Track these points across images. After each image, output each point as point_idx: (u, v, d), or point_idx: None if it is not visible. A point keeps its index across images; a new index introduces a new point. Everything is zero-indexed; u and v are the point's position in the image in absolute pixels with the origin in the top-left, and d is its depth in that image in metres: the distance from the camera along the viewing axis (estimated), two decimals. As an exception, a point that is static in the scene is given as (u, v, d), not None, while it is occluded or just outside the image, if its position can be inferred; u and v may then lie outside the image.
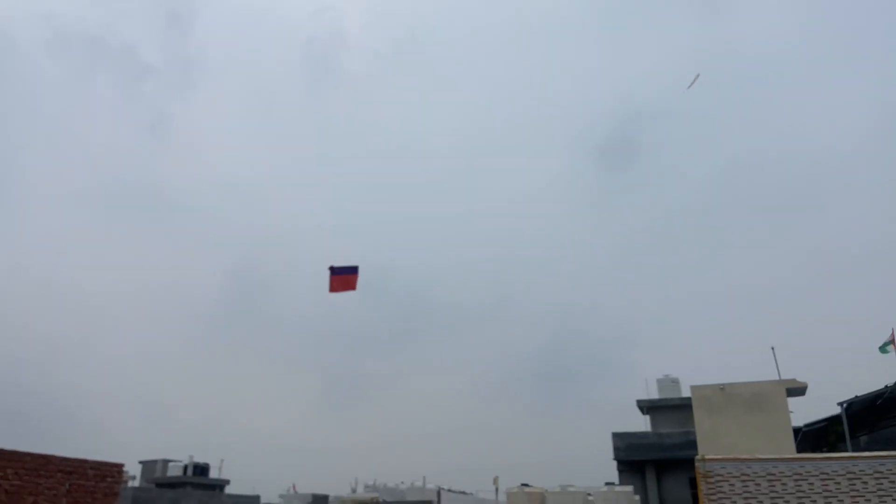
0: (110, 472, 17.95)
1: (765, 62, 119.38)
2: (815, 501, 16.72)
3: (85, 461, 17.29)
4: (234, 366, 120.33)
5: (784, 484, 17.06)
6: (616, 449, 26.05)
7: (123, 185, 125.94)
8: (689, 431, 23.96)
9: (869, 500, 16.38)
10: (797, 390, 19.59)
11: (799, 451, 20.65)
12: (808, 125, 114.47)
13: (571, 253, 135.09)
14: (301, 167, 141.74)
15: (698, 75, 24.75)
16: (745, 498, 17.17)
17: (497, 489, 26.00)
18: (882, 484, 16.43)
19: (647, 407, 28.22)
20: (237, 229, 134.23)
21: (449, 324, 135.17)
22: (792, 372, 20.00)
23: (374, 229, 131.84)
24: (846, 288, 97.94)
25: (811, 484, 16.89)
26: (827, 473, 16.89)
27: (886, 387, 19.99)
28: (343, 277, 20.67)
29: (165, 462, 45.77)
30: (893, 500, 16.21)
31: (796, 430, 21.84)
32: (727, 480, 17.44)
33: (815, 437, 24.95)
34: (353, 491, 63.85)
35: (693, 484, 23.85)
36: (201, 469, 44.51)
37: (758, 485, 17.19)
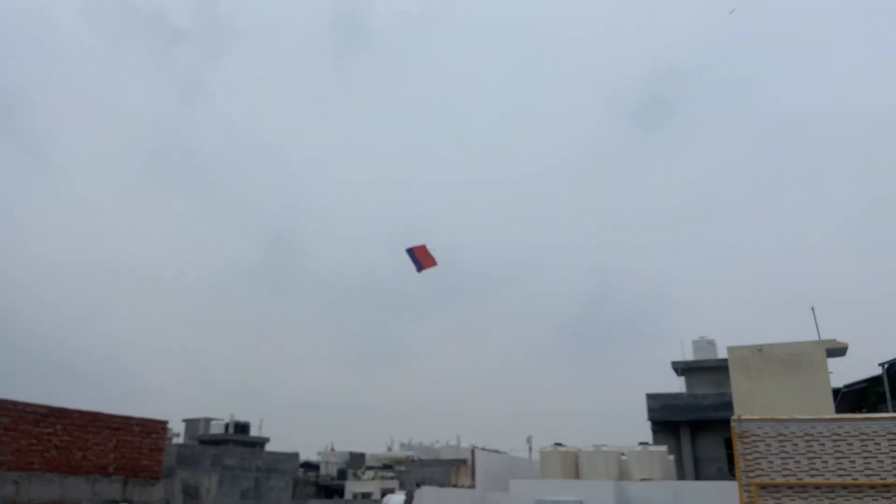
0: (155, 429, 18.56)
1: (808, 14, 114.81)
2: (853, 462, 16.53)
3: (131, 418, 17.90)
4: (273, 327, 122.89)
5: (822, 444, 16.87)
6: (650, 410, 26.04)
7: (158, 150, 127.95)
8: (724, 393, 23.80)
9: (909, 461, 16.14)
10: (837, 351, 19.24)
11: (838, 412, 20.36)
12: (854, 81, 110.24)
13: (607, 216, 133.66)
14: (332, 132, 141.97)
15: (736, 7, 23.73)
16: (782, 458, 17.05)
17: (530, 448, 26.23)
18: (923, 445, 16.16)
19: (682, 368, 28.03)
20: (271, 193, 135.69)
21: (483, 287, 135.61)
22: (832, 333, 19.62)
23: (407, 194, 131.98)
24: (889, 249, 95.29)
25: (850, 444, 16.68)
26: (867, 434, 16.64)
27: (931, 347, 19.52)
28: (422, 252, 21.29)
29: (208, 420, 47.27)
30: (935, 461, 15.96)
31: (835, 391, 21.54)
32: (763, 440, 17.32)
33: (855, 398, 24.58)
34: (389, 449, 65.41)
35: (728, 444, 23.77)
36: (242, 427, 45.88)
37: (795, 445, 17.04)
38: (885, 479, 16.20)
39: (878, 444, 16.52)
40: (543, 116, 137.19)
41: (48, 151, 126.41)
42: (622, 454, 23.58)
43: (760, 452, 17.32)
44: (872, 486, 16.28)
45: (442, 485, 24.17)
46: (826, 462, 16.78)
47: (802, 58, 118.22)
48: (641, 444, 23.93)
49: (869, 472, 16.39)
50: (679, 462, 25.09)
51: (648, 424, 26.39)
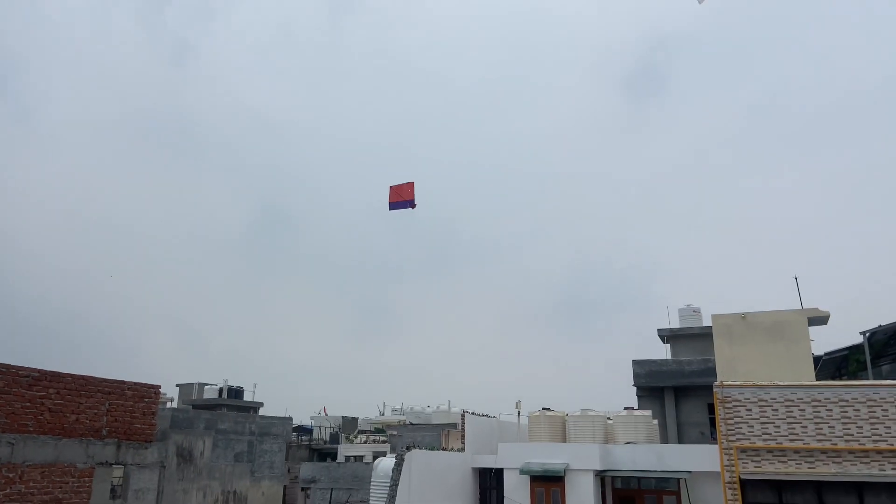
0: (148, 394, 18.80)
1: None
2: (833, 428, 16.95)
3: (123, 382, 18.11)
4: (266, 293, 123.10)
5: (802, 410, 17.27)
6: (636, 375, 26.45)
7: (149, 114, 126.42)
8: (708, 359, 24.20)
9: (889, 428, 16.55)
10: (819, 319, 19.56)
11: (819, 379, 20.77)
12: (845, 52, 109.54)
13: (596, 184, 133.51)
14: (325, 99, 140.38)
15: None
16: (762, 423, 17.47)
17: (519, 413, 26.69)
18: (903, 412, 16.54)
19: (667, 336, 28.42)
20: (264, 159, 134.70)
21: (474, 255, 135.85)
22: (815, 302, 19.92)
23: (400, 162, 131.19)
24: (872, 220, 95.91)
25: (829, 410, 17.08)
26: (846, 400, 17.04)
27: (912, 316, 19.85)
28: (399, 188, 20.90)
29: (201, 385, 47.65)
30: (913, 426, 16.38)
31: (817, 359, 21.91)
32: (744, 406, 17.73)
33: (836, 366, 25.03)
34: (381, 414, 66.20)
35: (711, 409, 24.24)
36: (236, 392, 46.27)
37: (775, 410, 17.45)
38: (863, 444, 16.64)
39: (858, 410, 16.92)
40: (534, 85, 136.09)
41: (37, 115, 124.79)
42: (608, 418, 24.04)
43: (741, 417, 17.74)
44: (851, 451, 16.72)
45: (432, 448, 24.61)
46: (805, 427, 17.20)
47: (794, 28, 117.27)
48: (627, 408, 24.40)
49: (848, 437, 16.83)
50: (663, 426, 25.62)
51: (634, 390, 26.84)
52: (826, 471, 16.77)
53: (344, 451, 50.19)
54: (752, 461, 17.40)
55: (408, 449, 20.07)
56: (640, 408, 25.45)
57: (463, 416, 24.10)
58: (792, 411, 17.38)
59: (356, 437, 54.83)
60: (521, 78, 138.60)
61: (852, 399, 17.05)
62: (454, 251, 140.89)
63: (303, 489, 41.58)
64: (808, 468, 16.93)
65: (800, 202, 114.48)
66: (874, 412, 16.80)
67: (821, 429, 17.10)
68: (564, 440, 23.47)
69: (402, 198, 21.03)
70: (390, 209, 21.08)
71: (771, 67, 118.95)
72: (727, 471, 17.50)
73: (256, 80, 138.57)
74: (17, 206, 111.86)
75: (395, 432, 47.42)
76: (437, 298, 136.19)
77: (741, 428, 17.67)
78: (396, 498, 19.04)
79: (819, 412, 17.20)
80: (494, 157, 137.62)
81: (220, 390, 45.61)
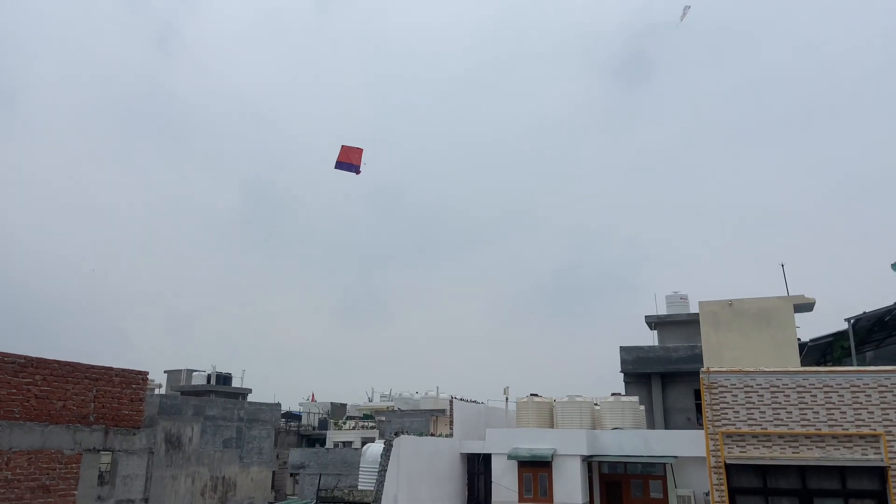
0: (135, 380, 18.71)
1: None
2: (817, 413, 17.15)
3: (111, 369, 18.00)
4: (253, 279, 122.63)
5: (787, 395, 17.46)
6: (623, 362, 26.65)
7: (134, 99, 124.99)
8: (695, 346, 24.41)
9: (871, 413, 16.76)
10: (805, 306, 19.74)
11: (804, 365, 20.99)
12: (834, 37, 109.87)
13: (584, 171, 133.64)
14: (312, 83, 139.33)
15: (688, 7, 23.39)
16: (748, 408, 17.64)
17: (507, 399, 26.82)
18: (886, 397, 16.75)
19: (654, 322, 28.64)
20: (250, 144, 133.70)
21: (462, 242, 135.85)
22: (801, 289, 20.11)
23: (388, 148, 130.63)
24: (859, 207, 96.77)
25: (814, 396, 17.27)
26: (830, 386, 17.24)
27: (896, 303, 20.08)
28: (350, 150, 20.97)
29: (190, 371, 47.47)
30: None
31: (802, 345, 22.14)
32: (730, 391, 17.89)
33: (821, 352, 25.30)
34: (370, 400, 66.33)
35: (697, 395, 24.48)
36: (224, 378, 46.16)
37: (761, 396, 17.63)
38: (847, 429, 16.86)
39: (842, 395, 17.12)
40: (523, 72, 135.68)
41: (20, 99, 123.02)
42: (595, 404, 24.23)
43: (727, 403, 17.91)
44: (835, 437, 16.94)
45: (421, 434, 24.69)
46: (790, 413, 17.39)
47: (782, 13, 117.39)
48: (614, 394, 24.59)
49: (832, 422, 17.03)
50: (650, 412, 25.86)
51: (621, 376, 27.04)
52: (810, 455, 16.99)
53: (332, 437, 50.31)
54: (738, 446, 17.60)
55: (396, 435, 20.13)
56: (627, 394, 25.66)
57: (451, 402, 24.20)
58: (777, 397, 17.56)
59: (345, 423, 54.95)
60: (509, 63, 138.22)
61: (836, 385, 17.25)
62: (442, 236, 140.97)
63: (292, 475, 41.72)
64: (793, 453, 17.15)
65: (786, 189, 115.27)
66: (857, 398, 17.01)
67: (805, 414, 17.30)
68: (552, 426, 23.64)
69: (349, 160, 21.20)
70: (335, 167, 21.25)
71: (757, 54, 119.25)
72: (713, 456, 17.69)
73: (242, 64, 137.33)
74: (0, 192, 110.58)
75: (383, 418, 47.58)
76: (425, 284, 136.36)
77: (727, 413, 17.84)
78: (385, 483, 19.12)
79: (804, 398, 17.39)
80: (482, 142, 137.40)
81: (209, 377, 45.49)
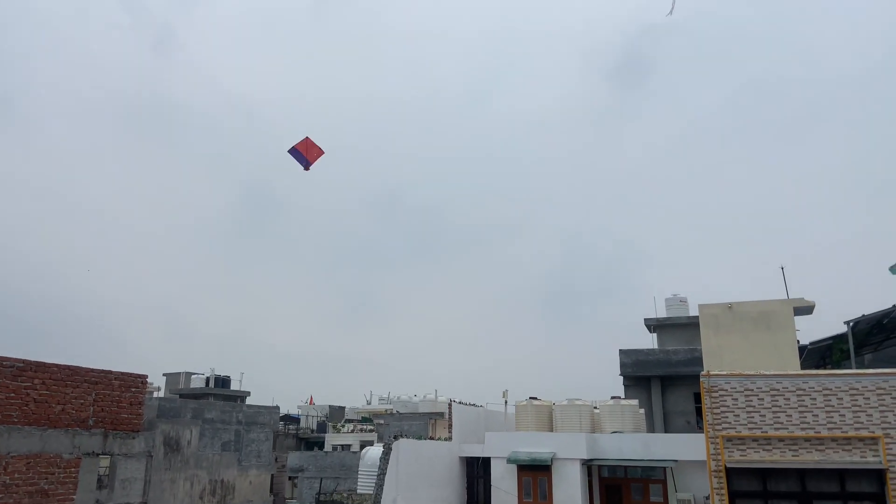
0: (134, 383, 18.67)
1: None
2: (816, 416, 17.15)
3: (110, 372, 17.97)
4: (251, 280, 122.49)
5: (787, 399, 17.46)
6: (623, 365, 26.59)
7: (131, 101, 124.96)
8: (695, 349, 24.37)
9: (870, 416, 16.76)
10: (804, 309, 19.74)
11: (803, 368, 20.99)
12: (832, 41, 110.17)
13: (582, 174, 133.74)
14: (307, 84, 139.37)
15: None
16: (748, 412, 17.64)
17: (506, 402, 26.79)
18: (884, 400, 16.76)
19: (654, 325, 28.58)
20: (248, 146, 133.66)
21: (461, 244, 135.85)
22: (801, 292, 20.10)
23: (386, 150, 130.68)
24: (857, 210, 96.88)
25: (813, 399, 17.27)
26: (830, 389, 17.24)
27: (894, 306, 20.08)
28: (311, 145, 21.27)
29: (188, 374, 47.38)
30: (895, 415, 16.60)
31: (802, 348, 22.13)
32: (730, 395, 17.88)
33: (820, 355, 25.30)
34: (368, 403, 66.27)
35: (697, 398, 24.44)
36: (223, 381, 46.05)
37: (761, 399, 17.63)
38: (846, 432, 16.86)
39: (841, 398, 17.12)
40: (521, 74, 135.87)
41: (18, 101, 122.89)
42: (594, 408, 24.19)
43: (727, 406, 17.89)
44: (834, 439, 16.94)
45: (420, 437, 24.67)
46: (790, 416, 17.39)
47: (780, 16, 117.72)
48: (613, 398, 24.56)
49: (831, 425, 17.03)
50: (649, 415, 25.82)
51: (621, 379, 26.99)
52: (809, 458, 16.98)
53: (331, 440, 50.24)
54: (738, 450, 17.58)
55: (395, 438, 20.10)
56: (626, 397, 25.63)
57: (450, 405, 24.17)
58: (777, 400, 17.55)
59: (343, 427, 54.88)
60: (506, 65, 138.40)
61: (835, 388, 17.25)
62: (440, 239, 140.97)
63: (290, 478, 41.64)
64: (793, 456, 17.14)
65: (786, 192, 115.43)
66: (856, 400, 17.00)
67: (805, 417, 17.29)
68: (551, 429, 23.60)
69: (305, 153, 21.56)
70: (288, 151, 21.67)
71: (757, 57, 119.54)
72: (713, 459, 17.67)
73: (240, 66, 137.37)
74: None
75: (382, 421, 47.51)
76: (423, 286, 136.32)
77: (727, 417, 17.83)
78: (384, 487, 19.08)
79: (803, 401, 17.38)
80: (480, 144, 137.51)
81: (207, 379, 45.37)
